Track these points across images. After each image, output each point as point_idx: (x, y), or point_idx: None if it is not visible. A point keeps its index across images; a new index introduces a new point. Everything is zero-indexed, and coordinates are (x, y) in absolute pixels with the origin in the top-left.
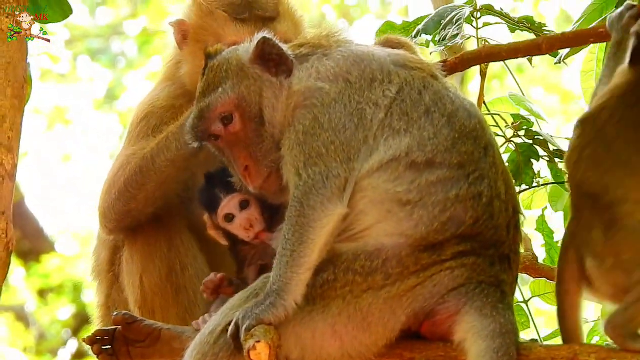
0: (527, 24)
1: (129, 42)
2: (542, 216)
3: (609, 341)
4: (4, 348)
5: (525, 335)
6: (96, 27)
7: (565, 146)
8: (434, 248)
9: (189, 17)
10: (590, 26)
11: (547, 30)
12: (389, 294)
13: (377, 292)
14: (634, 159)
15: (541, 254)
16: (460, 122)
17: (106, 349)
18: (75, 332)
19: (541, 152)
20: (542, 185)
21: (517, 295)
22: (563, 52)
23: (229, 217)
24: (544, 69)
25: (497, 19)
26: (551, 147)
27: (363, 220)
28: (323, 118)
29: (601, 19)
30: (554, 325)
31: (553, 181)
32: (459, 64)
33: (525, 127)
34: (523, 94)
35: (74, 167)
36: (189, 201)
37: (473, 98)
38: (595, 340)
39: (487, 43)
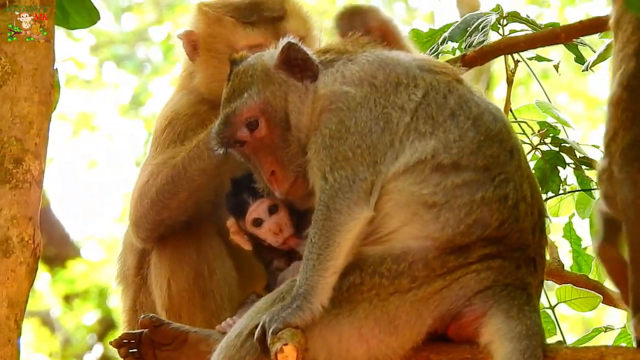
0: None
1: (154, 48)
2: (569, 223)
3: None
4: (29, 353)
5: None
6: (121, 33)
7: (592, 153)
8: (460, 250)
9: (197, 27)
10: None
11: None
12: (415, 297)
13: (404, 295)
14: None
15: (567, 262)
16: (485, 125)
17: (133, 352)
18: (101, 337)
19: (568, 159)
20: (569, 192)
21: (543, 301)
22: (590, 58)
23: (258, 222)
24: (570, 75)
25: (523, 26)
26: (578, 155)
27: (389, 223)
28: (349, 122)
29: None
30: (579, 332)
31: (580, 188)
32: (477, 57)
33: (551, 135)
34: (549, 101)
35: (99, 173)
36: (218, 207)
37: (499, 105)
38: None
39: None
